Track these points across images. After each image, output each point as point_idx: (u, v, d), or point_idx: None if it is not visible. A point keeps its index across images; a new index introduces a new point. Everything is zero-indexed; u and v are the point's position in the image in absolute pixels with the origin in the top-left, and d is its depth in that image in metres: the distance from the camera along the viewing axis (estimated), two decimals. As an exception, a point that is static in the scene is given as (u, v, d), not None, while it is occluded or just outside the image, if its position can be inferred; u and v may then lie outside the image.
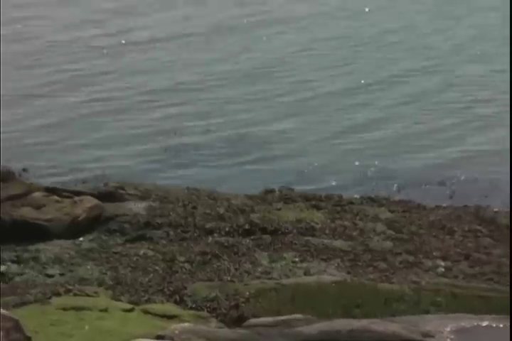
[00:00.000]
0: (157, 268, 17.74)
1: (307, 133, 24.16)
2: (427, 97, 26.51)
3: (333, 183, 21.93)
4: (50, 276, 17.48)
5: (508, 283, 17.68)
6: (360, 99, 26.15)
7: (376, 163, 22.85)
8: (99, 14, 35.21)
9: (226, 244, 18.74)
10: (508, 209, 20.92)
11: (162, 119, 24.92)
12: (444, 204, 21.22)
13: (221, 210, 19.98)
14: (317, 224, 19.72)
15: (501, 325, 12.73)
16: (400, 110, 25.51)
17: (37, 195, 20.17)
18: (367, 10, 35.62)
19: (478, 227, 20.16)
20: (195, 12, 35.69)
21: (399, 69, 28.71)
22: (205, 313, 15.55)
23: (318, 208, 20.53)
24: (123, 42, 32.16)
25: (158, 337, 12.35)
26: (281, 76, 28.44)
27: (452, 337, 12.29)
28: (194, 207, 20.12)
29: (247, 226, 19.34)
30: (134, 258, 18.14)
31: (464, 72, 28.98)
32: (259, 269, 17.87)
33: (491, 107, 26.03)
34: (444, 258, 18.76)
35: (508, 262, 18.80)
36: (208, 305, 15.91)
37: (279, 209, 20.31)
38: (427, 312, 14.58)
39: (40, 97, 26.24)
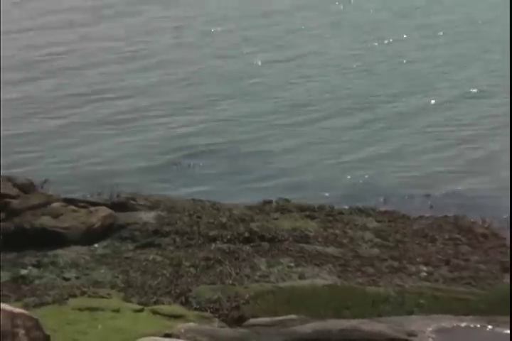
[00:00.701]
0: (165, 272, 17.69)
1: (303, 151, 24.18)
2: (412, 119, 26.51)
3: (326, 195, 21.91)
4: (67, 279, 17.45)
5: (485, 287, 17.70)
6: (352, 121, 26.06)
7: (365, 177, 22.85)
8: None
9: (228, 250, 18.70)
10: (485, 220, 20.99)
11: (170, 137, 24.92)
12: (426, 215, 21.21)
13: (223, 219, 19.94)
14: (311, 232, 19.68)
15: (478, 325, 12.75)
16: (386, 131, 25.49)
17: (56, 205, 20.17)
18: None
19: (457, 236, 20.14)
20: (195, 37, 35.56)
21: (386, 94, 28.64)
22: (208, 314, 15.55)
23: (311, 218, 20.49)
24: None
25: (166, 335, 12.37)
26: (280, 97, 28.34)
27: (434, 336, 12.30)
28: (199, 217, 20.07)
29: (246, 234, 19.29)
30: (144, 263, 18.10)
31: (447, 96, 28.89)
32: (258, 273, 17.82)
33: (470, 130, 26.00)
34: (426, 264, 18.72)
35: (484, 267, 18.81)
36: (211, 306, 15.89)
37: (276, 219, 20.27)
38: (411, 313, 14.55)
39: (56, 116, 26.08)
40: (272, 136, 24.78)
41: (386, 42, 34.56)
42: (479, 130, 26.13)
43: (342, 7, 39.59)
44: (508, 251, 19.73)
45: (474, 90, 29.18)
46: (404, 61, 32.44)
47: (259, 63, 32.10)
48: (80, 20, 36.89)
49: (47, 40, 33.77)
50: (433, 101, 28.33)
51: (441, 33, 35.25)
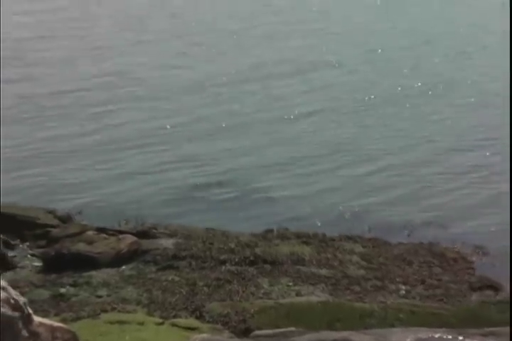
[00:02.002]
0: (182, 290, 17.65)
1: (300, 188, 24.12)
2: (395, 158, 26.42)
3: (319, 225, 21.85)
4: (99, 297, 17.40)
5: (455, 303, 17.63)
6: (342, 166, 25.88)
7: (352, 210, 22.81)
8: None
9: (236, 271, 18.66)
10: (455, 246, 20.96)
11: (187, 176, 24.83)
12: (404, 242, 21.17)
13: (232, 245, 19.90)
14: (306, 256, 19.64)
15: (450, 337, 12.64)
16: (371, 175, 25.35)
17: (89, 233, 20.15)
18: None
19: (431, 259, 20.11)
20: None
21: (367, 136, 28.52)
22: (219, 326, 15.50)
23: (307, 244, 20.44)
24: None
25: (184, 345, 12.31)
26: (277, 132, 28.30)
27: (412, 346, 12.22)
28: (211, 243, 20.04)
29: (252, 258, 19.26)
30: (164, 283, 18.06)
31: (422, 132, 28.87)
32: (262, 291, 17.78)
33: (434, 168, 25.94)
34: (404, 283, 18.68)
35: (454, 286, 18.75)
36: (222, 319, 15.85)
37: (277, 245, 20.22)
38: (392, 325, 14.50)
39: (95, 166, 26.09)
40: (273, 176, 24.66)
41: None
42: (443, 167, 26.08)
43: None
44: (475, 272, 19.73)
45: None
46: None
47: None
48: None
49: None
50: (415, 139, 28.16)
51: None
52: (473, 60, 37.63)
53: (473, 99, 32.25)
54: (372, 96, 32.22)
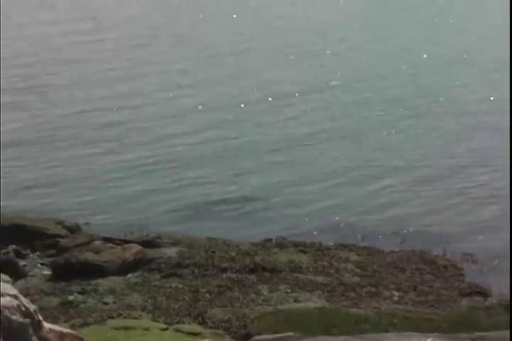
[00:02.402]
0: (185, 297, 17.62)
1: (296, 198, 24.08)
2: (390, 177, 26.22)
3: (315, 234, 21.81)
4: (106, 303, 17.36)
5: (446, 309, 17.58)
6: (341, 176, 25.76)
7: (346, 220, 22.75)
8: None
9: (236, 279, 18.63)
10: (445, 254, 20.92)
11: (190, 188, 24.74)
12: (397, 250, 21.12)
13: (233, 254, 19.88)
14: (303, 264, 19.61)
15: (442, 341, 12.63)
16: (364, 187, 25.33)
17: (97, 243, 20.14)
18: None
19: (423, 267, 20.07)
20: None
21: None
22: (221, 331, 15.47)
23: (304, 252, 20.42)
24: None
25: (187, 350, 12.26)
26: (279, 153, 28.10)
27: (405, 350, 12.18)
28: (213, 252, 20.01)
29: (252, 266, 19.23)
30: (168, 290, 18.02)
31: (420, 151, 28.76)
32: (261, 298, 17.74)
33: (429, 186, 25.80)
34: (397, 290, 18.65)
35: (445, 293, 18.71)
36: (223, 325, 15.83)
37: (276, 253, 20.20)
38: (386, 330, 14.45)
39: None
40: (271, 191, 24.50)
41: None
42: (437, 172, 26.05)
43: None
44: (464, 279, 19.71)
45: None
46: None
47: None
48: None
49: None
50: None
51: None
52: (469, 78, 37.25)
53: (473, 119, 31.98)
54: (372, 117, 31.70)
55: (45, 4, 49.65)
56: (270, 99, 33.17)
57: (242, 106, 32.35)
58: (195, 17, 48.18)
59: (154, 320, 16.04)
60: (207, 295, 17.72)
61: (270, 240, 21.21)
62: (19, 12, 46.74)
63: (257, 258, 19.62)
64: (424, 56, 40.61)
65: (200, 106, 32.10)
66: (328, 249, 20.80)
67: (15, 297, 7.42)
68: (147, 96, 33.21)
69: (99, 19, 46.71)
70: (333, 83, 35.57)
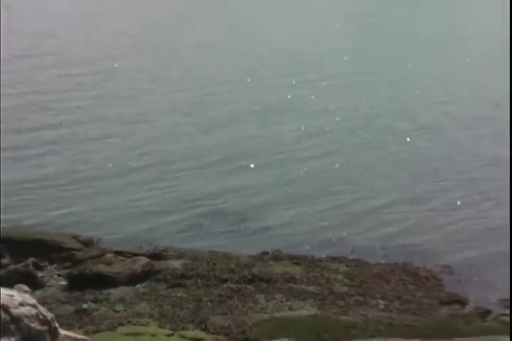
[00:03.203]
0: (189, 305, 17.54)
1: (291, 215, 24.03)
2: (378, 197, 26.15)
3: (308, 248, 21.75)
4: (117, 311, 17.27)
5: (427, 316, 17.50)
6: (333, 196, 25.72)
7: (336, 235, 22.68)
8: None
9: (236, 289, 18.56)
10: (426, 266, 20.85)
11: (193, 206, 24.59)
12: (382, 262, 21.08)
13: (232, 266, 19.82)
14: (297, 275, 19.55)
15: (424, 346, 12.59)
16: (352, 206, 25.26)
17: (108, 255, 20.07)
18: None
19: (406, 278, 20.01)
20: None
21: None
22: (222, 337, 15.38)
23: (297, 264, 20.36)
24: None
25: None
26: (279, 173, 28.00)
27: (391, 354, 12.13)
28: (214, 264, 19.95)
29: (250, 277, 19.17)
30: (173, 299, 17.95)
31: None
32: (258, 306, 17.66)
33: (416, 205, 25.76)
34: (383, 299, 18.58)
35: (426, 301, 18.64)
36: (224, 331, 15.74)
37: (272, 265, 20.13)
38: (373, 336, 14.42)
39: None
40: (269, 208, 24.38)
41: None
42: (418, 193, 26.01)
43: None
44: (444, 288, 19.65)
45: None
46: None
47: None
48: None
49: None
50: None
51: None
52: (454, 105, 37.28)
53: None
54: (366, 140, 31.34)
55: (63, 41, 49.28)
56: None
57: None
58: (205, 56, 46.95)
59: (161, 326, 15.95)
60: (209, 303, 17.64)
61: (267, 253, 21.15)
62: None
63: (255, 270, 19.55)
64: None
65: (198, 128, 31.99)
66: (320, 261, 20.75)
67: (34, 306, 7.38)
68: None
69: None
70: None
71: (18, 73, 38.95)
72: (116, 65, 42.20)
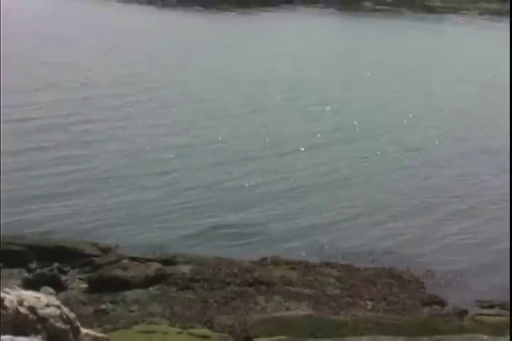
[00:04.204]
0: (197, 306, 17.50)
1: (288, 225, 23.93)
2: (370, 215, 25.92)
3: (303, 254, 21.64)
4: (132, 312, 17.23)
5: (411, 315, 17.42)
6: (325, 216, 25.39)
7: (329, 242, 22.54)
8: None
9: (238, 291, 18.51)
10: (409, 270, 20.75)
11: (200, 217, 24.35)
12: (370, 267, 20.96)
13: (235, 270, 19.77)
14: (293, 278, 19.49)
15: (408, 343, 12.52)
16: (342, 213, 25.19)
17: (125, 261, 20.02)
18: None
19: (391, 281, 19.93)
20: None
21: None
22: (226, 335, 15.31)
23: (294, 269, 20.28)
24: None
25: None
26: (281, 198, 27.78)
27: (378, 350, 12.07)
28: (219, 269, 19.89)
29: (251, 280, 19.11)
30: (183, 300, 17.91)
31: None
32: (259, 307, 17.61)
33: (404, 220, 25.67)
34: (371, 300, 18.51)
35: (410, 302, 18.56)
36: (228, 329, 15.67)
37: (271, 270, 20.06)
38: (362, 334, 14.35)
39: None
40: (269, 220, 24.15)
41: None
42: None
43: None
44: (425, 291, 19.57)
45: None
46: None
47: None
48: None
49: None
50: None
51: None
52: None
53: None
54: (367, 164, 30.25)
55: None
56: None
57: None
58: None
59: (171, 325, 15.89)
60: (214, 304, 17.60)
61: (266, 259, 21.10)
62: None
63: (256, 274, 19.51)
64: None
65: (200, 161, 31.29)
66: (314, 266, 20.68)
67: (58, 307, 7.37)
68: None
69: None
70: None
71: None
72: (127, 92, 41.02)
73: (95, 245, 21.06)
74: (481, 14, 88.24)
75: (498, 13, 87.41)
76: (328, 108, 39.68)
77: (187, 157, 30.34)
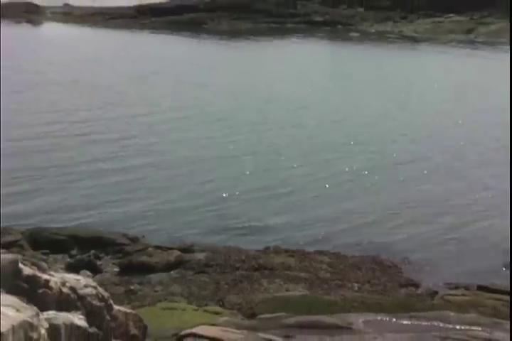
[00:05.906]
0: (210, 287, 17.48)
1: (288, 220, 23.78)
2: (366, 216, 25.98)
3: (300, 243, 21.57)
4: (156, 291, 17.23)
5: (390, 295, 17.37)
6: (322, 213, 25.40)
7: (322, 234, 22.51)
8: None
9: (246, 275, 18.48)
10: (390, 258, 20.67)
11: (213, 216, 24.07)
12: (357, 255, 20.87)
13: (243, 257, 19.72)
14: (292, 264, 19.45)
15: (387, 319, 12.52)
16: (332, 207, 25.01)
17: (150, 249, 20.02)
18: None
19: (374, 266, 19.87)
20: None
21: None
22: (235, 311, 15.32)
23: (292, 256, 20.26)
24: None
25: (212, 324, 12.15)
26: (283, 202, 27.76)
27: (362, 325, 12.07)
28: (229, 256, 19.85)
29: (256, 266, 19.08)
30: (198, 282, 17.88)
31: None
32: (262, 288, 17.59)
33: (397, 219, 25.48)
34: (357, 282, 18.46)
35: (390, 284, 18.50)
36: (237, 307, 15.69)
37: (273, 257, 20.00)
38: (349, 311, 14.31)
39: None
40: (272, 215, 23.88)
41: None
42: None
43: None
44: (403, 275, 19.51)
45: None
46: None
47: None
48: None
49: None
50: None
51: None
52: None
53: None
54: (366, 172, 28.83)
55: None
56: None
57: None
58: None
59: (189, 303, 15.91)
60: (225, 286, 17.59)
61: (269, 248, 21.07)
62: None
63: (260, 260, 19.48)
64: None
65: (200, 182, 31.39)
66: (309, 254, 20.64)
67: (94, 287, 7.42)
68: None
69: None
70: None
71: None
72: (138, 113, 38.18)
73: (125, 235, 21.09)
74: (451, 42, 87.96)
75: (466, 42, 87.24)
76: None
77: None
